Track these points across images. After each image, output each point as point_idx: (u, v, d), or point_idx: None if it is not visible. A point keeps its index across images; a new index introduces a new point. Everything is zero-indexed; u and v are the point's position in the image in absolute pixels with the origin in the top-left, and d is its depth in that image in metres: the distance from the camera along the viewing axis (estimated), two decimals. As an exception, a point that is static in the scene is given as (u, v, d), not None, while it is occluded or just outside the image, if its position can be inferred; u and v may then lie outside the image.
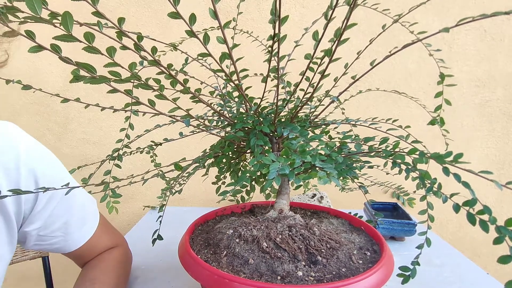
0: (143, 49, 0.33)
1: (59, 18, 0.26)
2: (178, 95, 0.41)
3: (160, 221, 0.56)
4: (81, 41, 0.28)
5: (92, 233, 0.60)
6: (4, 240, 0.49)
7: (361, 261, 0.45)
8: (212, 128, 0.49)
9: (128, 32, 0.32)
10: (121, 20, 0.31)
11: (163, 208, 0.53)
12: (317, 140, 0.46)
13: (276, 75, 0.41)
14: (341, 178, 0.46)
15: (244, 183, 0.41)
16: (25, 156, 0.50)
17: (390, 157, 0.42)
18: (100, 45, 0.29)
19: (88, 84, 0.32)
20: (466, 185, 0.34)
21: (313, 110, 0.53)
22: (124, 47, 0.33)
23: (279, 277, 0.41)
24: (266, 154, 0.39)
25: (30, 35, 0.26)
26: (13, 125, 0.52)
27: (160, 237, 0.56)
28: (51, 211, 0.53)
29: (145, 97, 0.38)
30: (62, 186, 0.37)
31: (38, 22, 0.25)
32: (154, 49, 0.35)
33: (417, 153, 0.39)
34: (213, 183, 0.61)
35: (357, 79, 0.48)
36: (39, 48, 0.27)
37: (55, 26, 0.27)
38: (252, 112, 0.49)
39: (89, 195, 0.61)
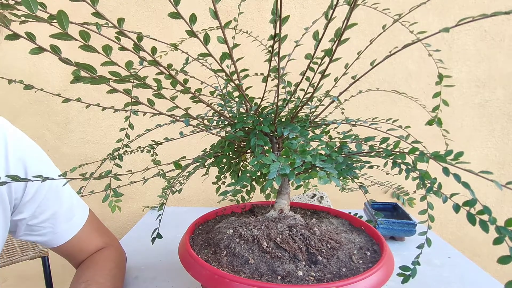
0: (143, 49, 0.33)
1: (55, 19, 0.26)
2: (177, 94, 0.41)
3: (160, 220, 0.56)
4: (77, 40, 0.28)
5: (80, 227, 0.61)
6: (1, 227, 0.51)
7: (361, 261, 0.45)
8: (212, 128, 0.49)
9: (129, 32, 0.32)
10: (120, 21, 0.31)
11: (163, 207, 0.53)
12: (317, 140, 0.46)
13: (277, 75, 0.41)
14: (341, 178, 0.46)
15: (244, 183, 0.41)
16: (13, 147, 0.52)
17: (390, 157, 0.43)
18: (100, 44, 0.30)
19: (88, 84, 0.32)
20: (466, 185, 0.34)
21: (313, 110, 0.53)
22: (123, 48, 0.33)
23: (279, 277, 0.41)
24: (267, 154, 0.39)
25: (30, 37, 0.26)
26: (2, 119, 0.54)
27: (159, 236, 0.56)
28: (40, 201, 0.55)
29: (145, 97, 0.38)
30: (59, 176, 0.37)
31: (34, 20, 0.25)
32: (154, 49, 0.35)
33: (417, 152, 0.39)
34: (213, 183, 0.61)
35: (357, 79, 0.48)
36: (39, 49, 0.27)
37: (51, 25, 0.27)
38: (252, 112, 0.49)
39: (74, 191, 0.63)
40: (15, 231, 0.56)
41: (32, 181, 0.34)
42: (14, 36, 0.26)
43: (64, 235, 0.59)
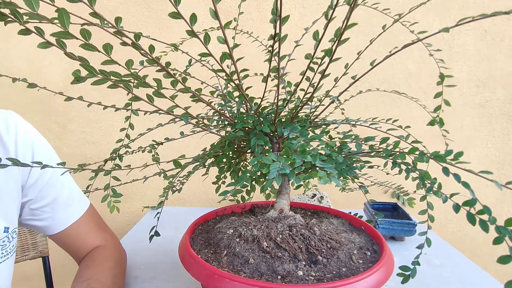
0: (141, 48, 0.33)
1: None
2: (177, 94, 0.42)
3: (158, 218, 0.57)
4: (78, 38, 0.28)
5: (78, 216, 0.63)
6: (17, 202, 0.56)
7: (361, 261, 0.45)
8: (212, 127, 0.49)
9: (129, 32, 0.32)
10: (117, 20, 0.31)
11: (162, 205, 0.53)
12: (317, 140, 0.46)
13: (277, 75, 0.41)
14: (341, 178, 0.46)
15: (244, 183, 0.41)
16: (23, 140, 0.57)
17: (390, 157, 0.43)
18: (101, 43, 0.30)
19: (88, 84, 0.32)
20: (466, 185, 0.34)
21: (313, 110, 0.53)
22: (124, 43, 0.33)
23: (279, 277, 0.41)
24: (267, 154, 0.39)
25: (39, 31, 0.27)
26: (13, 112, 0.60)
27: (157, 234, 0.56)
28: (42, 186, 0.59)
29: (145, 95, 0.38)
30: (58, 164, 0.39)
31: (35, 19, 0.25)
32: (151, 48, 0.35)
33: (417, 152, 0.39)
34: (213, 183, 0.61)
35: (357, 79, 0.48)
36: (47, 44, 0.28)
37: (53, 23, 0.27)
38: (252, 112, 0.49)
39: (76, 185, 0.67)
40: (20, 214, 0.59)
41: (32, 167, 0.36)
42: (26, 31, 0.26)
43: (62, 221, 0.61)
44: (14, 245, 0.57)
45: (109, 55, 0.31)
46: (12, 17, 0.25)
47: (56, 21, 0.27)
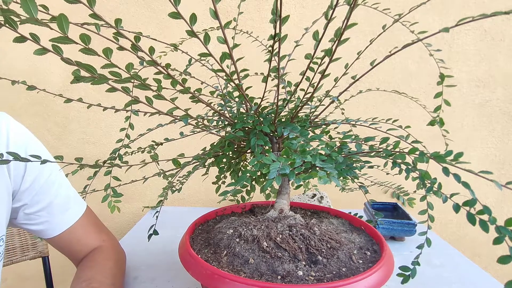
0: (141, 50, 0.33)
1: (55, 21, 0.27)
2: (177, 95, 0.42)
3: (157, 216, 0.56)
4: (77, 43, 0.28)
5: (76, 220, 0.62)
6: (5, 208, 0.54)
7: (361, 261, 0.45)
8: (211, 128, 0.49)
9: (129, 31, 0.32)
10: (117, 21, 0.31)
11: (161, 203, 0.54)
12: (317, 140, 0.46)
13: (277, 75, 0.41)
14: (341, 178, 0.46)
15: (244, 183, 0.41)
16: (15, 142, 0.55)
17: (390, 157, 0.43)
18: (101, 45, 0.29)
19: (88, 84, 0.32)
20: (466, 185, 0.34)
21: (313, 110, 0.53)
22: (121, 48, 0.33)
23: (279, 277, 0.41)
24: (267, 154, 0.39)
25: (35, 38, 0.27)
26: (5, 114, 0.58)
27: (155, 232, 0.56)
28: (37, 190, 0.57)
29: (144, 96, 0.38)
30: (55, 158, 0.38)
31: (34, 24, 0.25)
32: (151, 49, 0.35)
33: (417, 152, 0.39)
34: (213, 183, 0.61)
35: (357, 79, 0.48)
36: (43, 50, 0.27)
37: (51, 29, 0.27)
38: (252, 112, 0.49)
39: (73, 188, 0.66)
40: (15, 218, 0.59)
41: (32, 161, 0.35)
42: (21, 39, 0.26)
43: (59, 225, 0.61)
44: (2, 252, 0.56)
45: (109, 58, 0.31)
46: (7, 25, 0.25)
47: (49, 28, 0.27)
